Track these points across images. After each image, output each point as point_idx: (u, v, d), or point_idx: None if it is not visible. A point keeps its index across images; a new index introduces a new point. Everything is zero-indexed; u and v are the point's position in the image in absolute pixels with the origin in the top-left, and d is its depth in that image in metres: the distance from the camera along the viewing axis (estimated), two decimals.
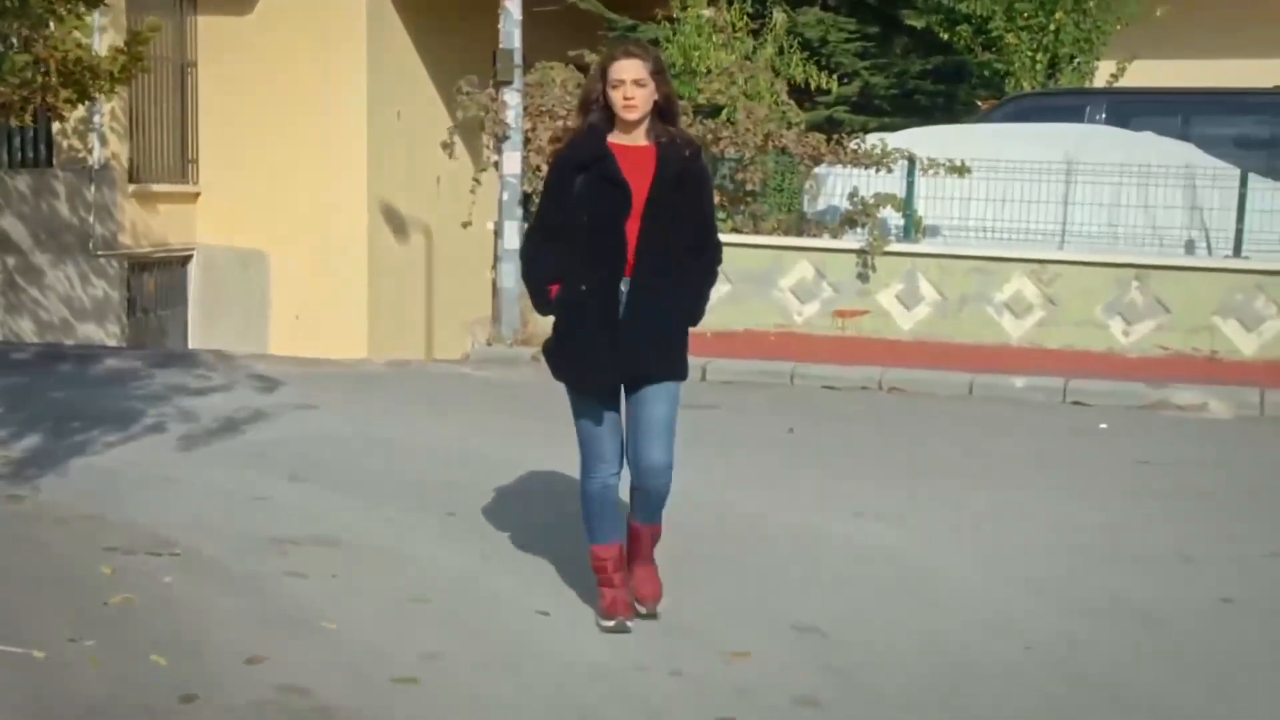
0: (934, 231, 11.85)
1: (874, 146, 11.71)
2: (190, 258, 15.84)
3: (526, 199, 12.04)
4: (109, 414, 8.53)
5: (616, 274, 4.83)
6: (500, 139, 12.12)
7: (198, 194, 15.87)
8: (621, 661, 4.80)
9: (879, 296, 11.48)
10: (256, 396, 9.48)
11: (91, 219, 14.52)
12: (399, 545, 6.03)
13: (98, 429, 8.06)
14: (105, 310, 14.55)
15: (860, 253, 11.44)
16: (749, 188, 12.03)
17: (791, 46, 15.51)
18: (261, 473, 7.21)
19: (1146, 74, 14.98)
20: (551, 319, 5.07)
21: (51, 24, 10.99)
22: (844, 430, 9.31)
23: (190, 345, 15.17)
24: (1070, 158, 11.43)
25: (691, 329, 5.07)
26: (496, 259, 12.29)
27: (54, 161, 14.68)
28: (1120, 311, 11.07)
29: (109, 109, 14.22)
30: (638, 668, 4.74)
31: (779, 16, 15.29)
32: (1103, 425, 9.48)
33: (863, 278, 11.48)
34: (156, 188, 15.24)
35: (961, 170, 11.26)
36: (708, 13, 14.61)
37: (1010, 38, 15.26)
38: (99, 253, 14.52)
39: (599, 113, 4.89)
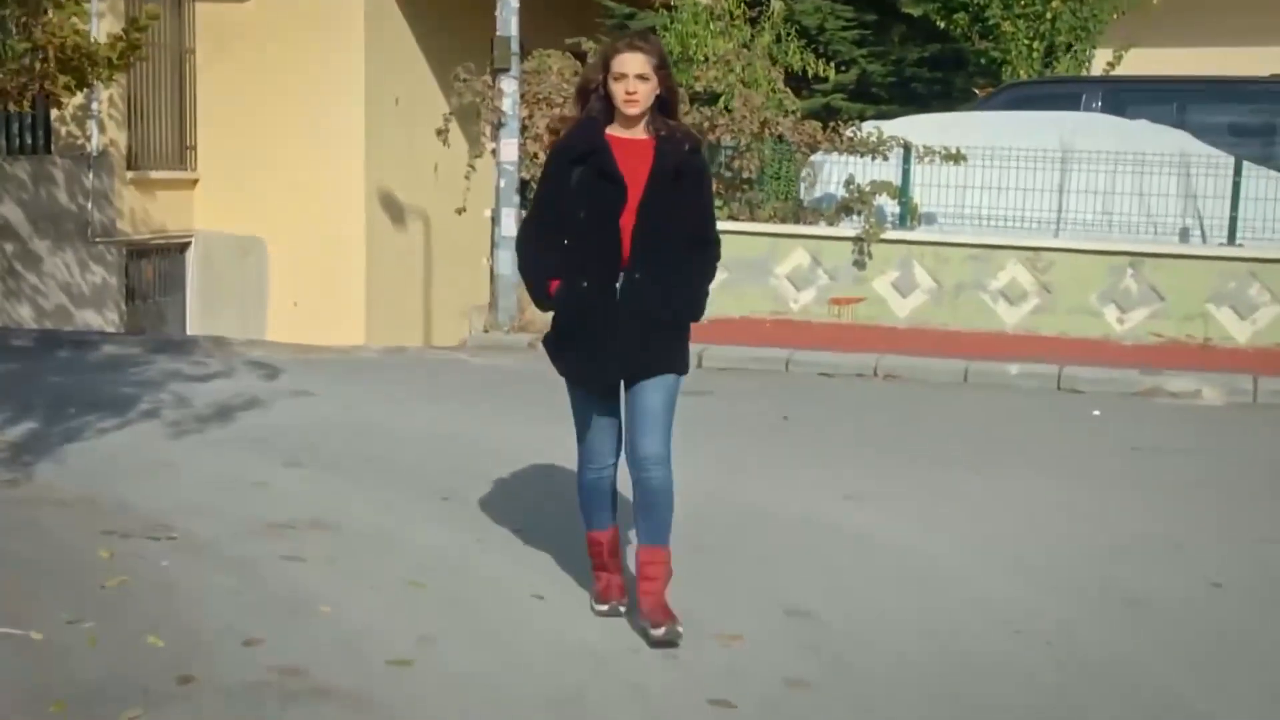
0: (930, 219, 11.89)
1: (870, 134, 11.74)
2: (188, 245, 15.85)
3: (524, 186, 12.07)
4: (107, 400, 8.57)
5: (613, 269, 4.76)
6: (497, 126, 12.14)
7: (196, 181, 15.88)
8: (615, 644, 4.84)
9: (875, 284, 11.52)
10: (254, 383, 9.52)
11: (90, 206, 14.54)
12: (395, 529, 6.07)
13: (95, 414, 8.10)
14: (104, 297, 14.58)
15: (856, 240, 11.47)
16: (745, 175, 12.07)
17: (789, 34, 15.55)
18: (258, 458, 7.25)
19: (1143, 62, 14.98)
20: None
21: (50, 10, 10.99)
22: (839, 417, 9.35)
23: (188, 332, 15.19)
24: (1065, 146, 11.47)
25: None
26: (493, 246, 12.32)
27: (52, 148, 14.69)
28: (1115, 299, 11.11)
29: (107, 96, 14.23)
30: (631, 650, 4.78)
31: (776, 4, 15.33)
32: (1096, 412, 9.53)
33: (859, 265, 11.52)
34: (155, 174, 15.25)
35: (957, 158, 11.30)
36: (706, 0, 14.63)
37: (1007, 26, 15.27)
38: (97, 239, 14.54)
39: (599, 103, 4.81)
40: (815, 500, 6.84)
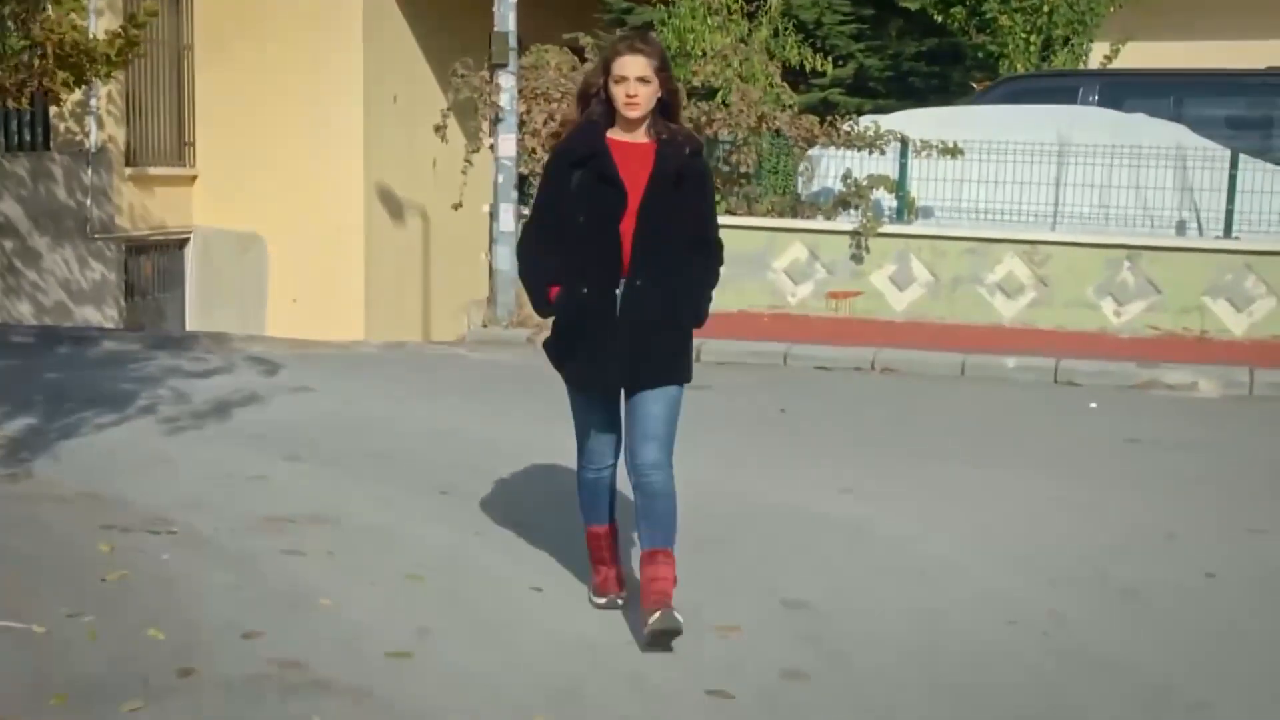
0: (927, 213, 11.92)
1: (867, 128, 11.77)
2: (187, 241, 15.88)
3: (522, 181, 12.10)
4: (106, 396, 8.59)
5: (613, 275, 4.70)
6: (495, 121, 12.15)
7: (195, 177, 15.90)
8: (613, 637, 4.87)
9: (872, 278, 11.55)
10: (253, 378, 9.54)
11: (89, 202, 14.56)
12: (394, 524, 6.10)
13: (95, 410, 8.12)
14: (103, 293, 14.61)
15: (853, 234, 11.50)
16: (743, 170, 12.10)
17: (786, 29, 15.57)
18: (258, 453, 7.28)
19: (1140, 56, 15.02)
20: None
21: (48, 7, 11.03)
22: (836, 411, 9.38)
23: (188, 328, 15.21)
24: (1062, 139, 11.50)
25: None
26: (492, 241, 12.34)
27: (51, 145, 14.71)
28: (1111, 292, 11.14)
29: (106, 92, 14.25)
30: (629, 642, 4.81)
31: None
32: (1093, 404, 9.56)
33: (856, 259, 11.54)
34: (153, 171, 15.27)
35: (954, 152, 11.32)
36: None
37: (1004, 20, 15.31)
38: (96, 236, 14.57)
39: (600, 106, 4.75)
40: (813, 493, 6.87)
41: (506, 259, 11.90)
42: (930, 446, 8.11)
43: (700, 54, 14.12)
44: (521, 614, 5.07)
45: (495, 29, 12.03)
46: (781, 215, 12.04)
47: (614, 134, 4.76)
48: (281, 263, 15.84)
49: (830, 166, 12.15)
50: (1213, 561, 5.92)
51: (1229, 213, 11.22)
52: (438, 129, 12.19)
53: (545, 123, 12.21)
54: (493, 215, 12.32)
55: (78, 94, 13.10)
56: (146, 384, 9.09)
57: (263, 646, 4.59)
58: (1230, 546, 6.21)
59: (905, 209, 11.80)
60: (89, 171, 14.52)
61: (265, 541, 5.75)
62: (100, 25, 13.14)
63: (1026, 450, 8.15)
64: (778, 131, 12.07)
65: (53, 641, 4.54)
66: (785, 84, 13.87)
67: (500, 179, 12.16)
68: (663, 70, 4.71)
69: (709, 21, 14.67)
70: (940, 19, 16.18)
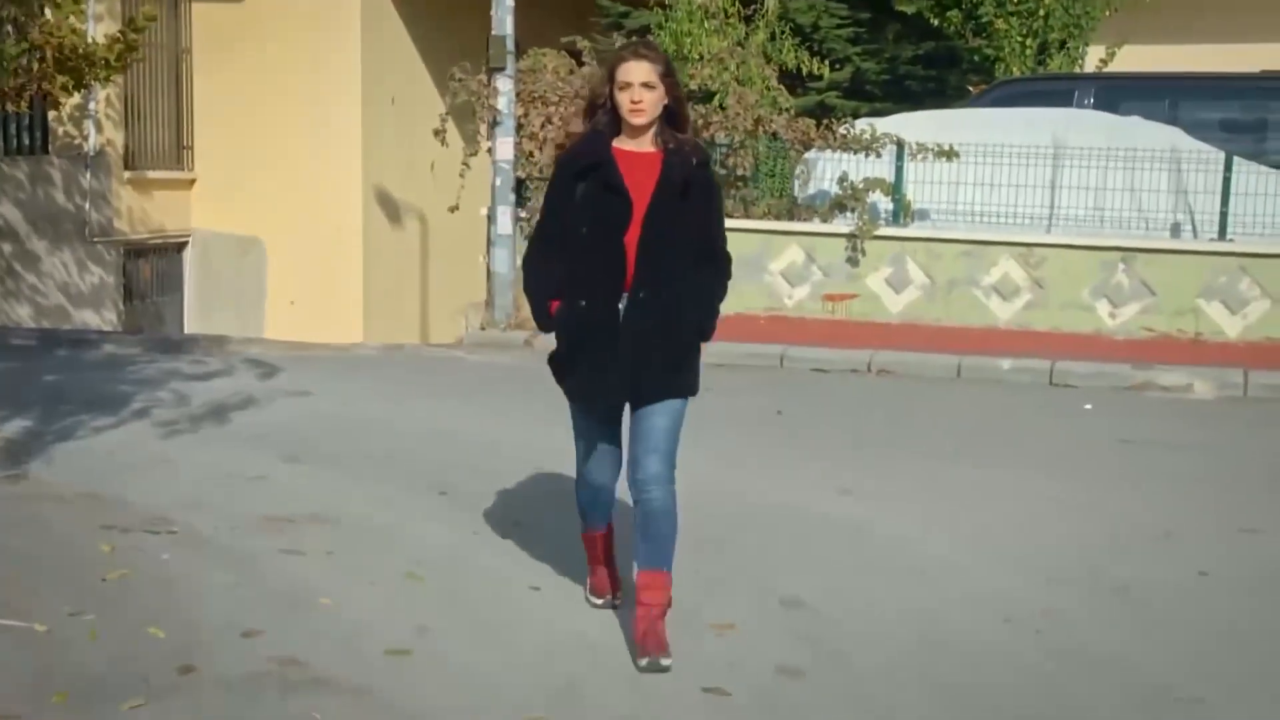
0: (923, 215, 11.95)
1: (863, 131, 11.81)
2: (186, 244, 15.91)
3: (520, 184, 12.13)
4: (105, 398, 8.62)
5: (617, 286, 4.59)
6: (492, 125, 12.18)
7: (193, 181, 15.94)
8: (610, 635, 4.89)
9: (868, 280, 11.58)
10: (252, 380, 9.56)
11: (88, 206, 14.59)
12: (393, 523, 6.12)
13: (94, 412, 8.14)
14: (102, 296, 14.64)
15: (850, 237, 11.53)
16: (740, 172, 12.13)
17: (783, 32, 15.61)
18: (257, 453, 7.30)
19: (1135, 59, 15.06)
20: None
21: (48, 11, 11.06)
22: (833, 412, 9.41)
23: (186, 331, 15.25)
24: (1058, 142, 11.54)
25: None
26: (489, 244, 12.37)
27: (50, 148, 14.75)
28: (1107, 294, 11.17)
29: (104, 96, 14.29)
30: (626, 641, 4.82)
31: (771, 2, 15.39)
32: (1088, 406, 9.59)
33: (852, 261, 11.57)
34: (152, 174, 15.30)
35: (950, 155, 11.36)
36: None
37: (1000, 23, 15.36)
38: (95, 239, 14.60)
39: (605, 116, 4.65)
40: (811, 493, 6.90)
41: (504, 261, 11.94)
42: (927, 447, 8.14)
43: (697, 57, 14.16)
44: (520, 613, 5.10)
45: (493, 32, 12.06)
46: (778, 218, 12.07)
47: (620, 143, 4.66)
48: (280, 265, 15.88)
49: (827, 169, 12.18)
50: (1208, 560, 5.96)
51: (1223, 215, 11.26)
52: (437, 133, 12.22)
53: (543, 126, 12.25)
54: (490, 218, 12.34)
55: (76, 98, 13.12)
56: (145, 386, 9.11)
57: (263, 645, 4.61)
58: (1226, 546, 6.24)
59: (901, 212, 11.84)
60: (88, 175, 14.55)
61: (265, 541, 5.77)
62: (99, 29, 13.19)
63: (1023, 451, 8.18)
64: (774, 134, 12.10)
65: (54, 640, 4.57)
66: (782, 87, 13.91)
67: (498, 182, 12.18)
68: (667, 76, 4.62)
69: (706, 25, 14.71)
70: (936, 23, 16.21)
